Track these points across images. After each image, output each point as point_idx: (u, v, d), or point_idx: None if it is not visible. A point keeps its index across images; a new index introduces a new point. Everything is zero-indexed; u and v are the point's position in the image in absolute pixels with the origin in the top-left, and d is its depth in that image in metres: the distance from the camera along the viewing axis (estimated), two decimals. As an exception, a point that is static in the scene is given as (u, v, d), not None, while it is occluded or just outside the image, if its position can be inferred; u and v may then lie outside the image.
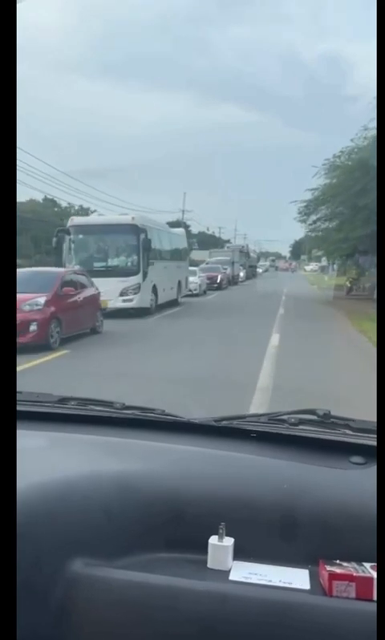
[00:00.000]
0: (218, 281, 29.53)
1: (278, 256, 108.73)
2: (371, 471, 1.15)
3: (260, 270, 60.24)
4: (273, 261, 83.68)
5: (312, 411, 1.34)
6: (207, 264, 33.13)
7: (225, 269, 33.23)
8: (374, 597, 0.95)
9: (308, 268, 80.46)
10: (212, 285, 27.62)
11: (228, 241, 60.77)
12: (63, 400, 1.52)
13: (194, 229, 57.86)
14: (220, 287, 29.23)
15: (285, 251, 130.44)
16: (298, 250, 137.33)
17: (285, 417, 1.34)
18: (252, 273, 48.26)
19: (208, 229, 69.68)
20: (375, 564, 0.98)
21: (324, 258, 71.39)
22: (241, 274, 39.18)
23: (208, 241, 77.49)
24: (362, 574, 0.99)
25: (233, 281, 35.30)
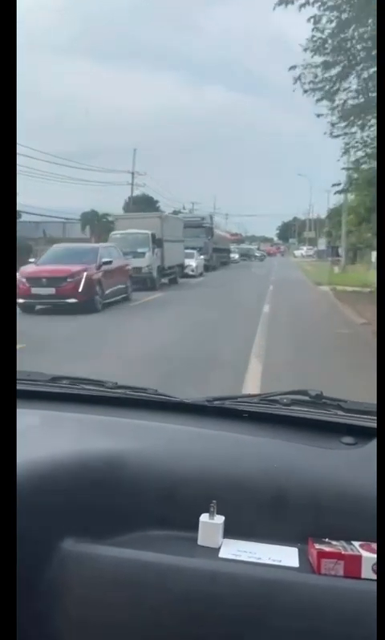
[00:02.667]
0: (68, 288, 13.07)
1: (264, 239, 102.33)
2: (362, 451, 1.19)
3: (237, 257, 53.07)
4: (257, 248, 72.14)
5: (304, 392, 1.37)
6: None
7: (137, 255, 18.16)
8: (362, 575, 1.00)
9: (298, 253, 71.67)
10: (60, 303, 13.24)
11: (178, 212, 47.32)
12: (55, 379, 1.54)
13: (167, 209, 52.18)
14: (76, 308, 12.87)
15: (272, 234, 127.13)
16: (286, 233, 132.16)
17: (277, 397, 1.37)
18: (220, 262, 39.14)
19: (183, 208, 65.85)
20: (364, 542, 1.03)
21: (322, 240, 65.06)
22: (191, 264, 26.73)
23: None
24: (350, 552, 1.03)
25: (157, 282, 19.60)
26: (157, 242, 19.78)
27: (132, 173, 51.47)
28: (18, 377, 1.41)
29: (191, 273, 25.93)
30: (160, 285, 20.03)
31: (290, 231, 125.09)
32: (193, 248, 30.23)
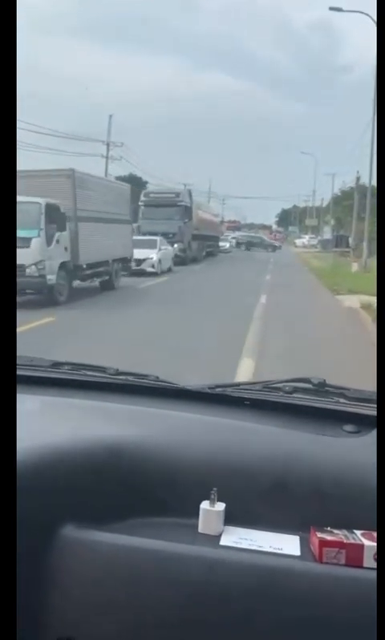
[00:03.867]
0: None
1: (264, 227, 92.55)
2: (365, 439, 1.20)
3: (227, 245, 46.49)
4: (252, 237, 62.65)
5: (307, 380, 1.38)
6: None
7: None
8: (364, 564, 1.01)
9: (299, 242, 62.36)
10: None
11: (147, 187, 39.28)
12: (57, 365, 1.54)
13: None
14: None
15: (271, 222, 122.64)
16: (286, 220, 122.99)
17: (279, 385, 1.38)
18: (205, 252, 32.41)
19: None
20: (366, 531, 1.04)
21: (327, 228, 55.62)
22: (151, 257, 20.22)
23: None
24: (352, 541, 1.04)
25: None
26: (59, 220, 12.00)
27: (107, 144, 44.33)
28: (19, 362, 1.40)
29: (150, 269, 19.55)
30: (70, 293, 12.71)
31: (290, 218, 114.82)
32: (165, 234, 23.89)
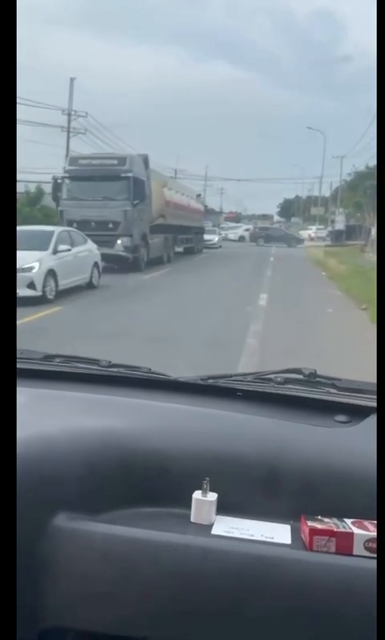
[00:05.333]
0: None
1: (264, 217, 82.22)
2: (356, 429, 1.30)
3: (216, 239, 39.52)
4: (259, 228, 55.74)
5: (298, 371, 1.48)
6: None
7: None
8: (354, 552, 1.11)
9: (306, 234, 52.71)
10: None
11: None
12: (48, 357, 1.62)
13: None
14: None
15: (273, 212, 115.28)
16: (288, 211, 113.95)
17: (271, 376, 1.48)
18: (170, 251, 23.83)
19: (175, 175, 53.01)
20: (356, 520, 1.15)
21: (341, 217, 46.18)
22: (33, 269, 11.35)
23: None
24: (342, 530, 1.13)
25: None
26: None
27: (69, 114, 36.79)
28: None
29: (26, 293, 10.91)
30: None
31: (293, 209, 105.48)
32: (100, 223, 16.41)
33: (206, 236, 35.32)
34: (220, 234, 41.62)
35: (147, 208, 19.15)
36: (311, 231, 57.41)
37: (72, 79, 35.80)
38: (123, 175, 17.44)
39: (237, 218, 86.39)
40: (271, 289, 15.10)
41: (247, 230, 54.62)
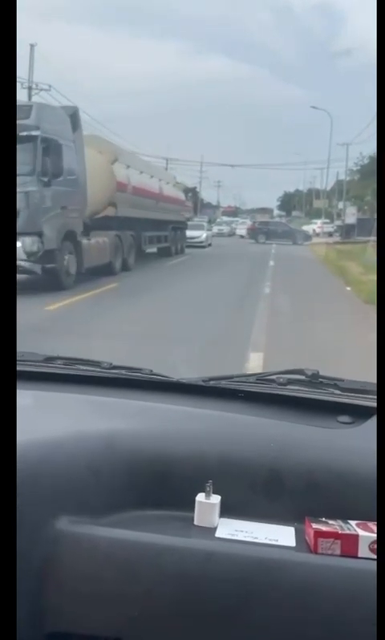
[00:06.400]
0: None
1: (263, 211, 75.26)
2: (359, 430, 1.33)
3: (203, 236, 32.35)
4: (256, 223, 47.88)
5: (300, 371, 1.49)
6: None
7: None
8: (359, 554, 1.14)
9: (309, 229, 45.03)
10: None
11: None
12: (49, 359, 1.64)
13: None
14: None
15: (272, 206, 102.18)
16: (289, 205, 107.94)
17: (273, 377, 1.49)
18: (129, 255, 16.47)
19: (166, 165, 50.38)
20: (361, 522, 1.18)
21: (352, 209, 40.16)
22: None
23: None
24: (347, 532, 1.15)
25: None
26: None
27: (29, 87, 30.93)
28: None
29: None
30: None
31: (293, 202, 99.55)
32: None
33: (191, 233, 28.72)
34: (209, 230, 34.72)
35: (77, 190, 13.37)
36: (316, 225, 52.43)
37: (32, 45, 31.79)
38: (24, 134, 10.71)
39: (235, 212, 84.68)
40: (271, 333, 8.26)
41: (238, 227, 50.42)
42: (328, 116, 54.65)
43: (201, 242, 31.60)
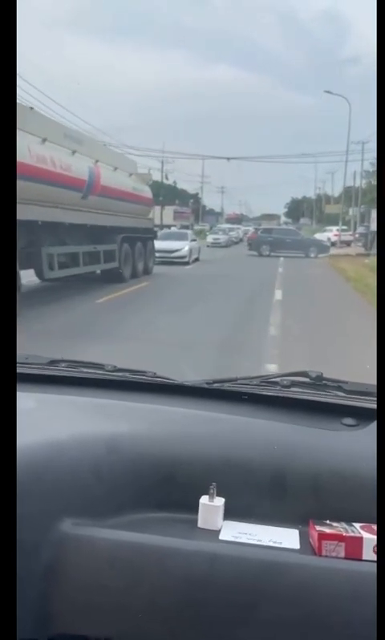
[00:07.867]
0: None
1: (269, 217, 68.05)
2: (363, 432, 1.40)
3: (184, 249, 24.24)
4: (261, 230, 39.55)
5: (304, 373, 1.55)
6: None
7: None
8: (364, 557, 1.20)
9: (323, 237, 37.18)
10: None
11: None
12: (53, 362, 1.71)
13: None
14: None
15: (280, 212, 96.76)
16: (296, 211, 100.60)
17: (277, 379, 1.56)
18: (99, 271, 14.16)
19: (166, 178, 54.79)
20: (365, 524, 1.26)
21: (373, 215, 33.32)
22: None
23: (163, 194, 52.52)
24: (351, 534, 1.21)
25: None
26: None
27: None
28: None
29: None
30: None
31: (302, 209, 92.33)
32: None
33: (168, 245, 21.45)
34: (193, 240, 26.89)
35: None
36: (331, 233, 45.13)
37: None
38: None
39: (239, 219, 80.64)
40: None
41: (227, 233, 45.43)
42: (339, 118, 48.94)
43: (183, 257, 24.52)
